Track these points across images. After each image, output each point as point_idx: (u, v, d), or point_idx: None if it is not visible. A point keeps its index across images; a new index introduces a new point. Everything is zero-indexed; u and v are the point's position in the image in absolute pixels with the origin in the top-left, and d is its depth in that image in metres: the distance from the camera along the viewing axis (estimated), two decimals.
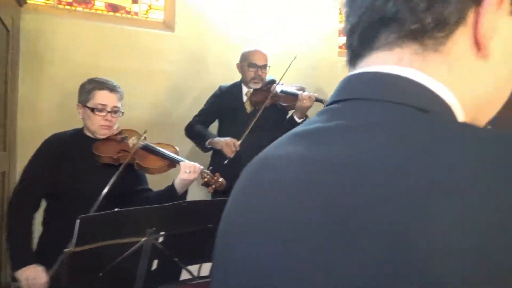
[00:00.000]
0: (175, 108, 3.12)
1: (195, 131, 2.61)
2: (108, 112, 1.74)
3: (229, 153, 2.40)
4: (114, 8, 3.18)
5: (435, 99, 0.39)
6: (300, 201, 0.37)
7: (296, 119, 2.49)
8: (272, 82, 2.59)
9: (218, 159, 2.50)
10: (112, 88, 1.77)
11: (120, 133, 1.86)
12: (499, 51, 0.41)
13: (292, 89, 2.56)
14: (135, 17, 3.23)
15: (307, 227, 0.35)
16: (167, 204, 1.27)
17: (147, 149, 1.83)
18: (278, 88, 2.54)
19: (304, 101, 2.40)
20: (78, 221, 1.12)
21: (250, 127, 2.40)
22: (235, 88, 2.64)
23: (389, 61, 0.41)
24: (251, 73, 2.52)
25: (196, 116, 2.66)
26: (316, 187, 0.37)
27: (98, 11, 3.13)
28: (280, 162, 0.42)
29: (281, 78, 2.52)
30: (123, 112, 1.83)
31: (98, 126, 1.74)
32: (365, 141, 0.36)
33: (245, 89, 2.61)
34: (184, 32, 3.16)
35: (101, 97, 1.74)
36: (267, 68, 2.56)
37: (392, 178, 0.32)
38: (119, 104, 1.79)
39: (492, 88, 0.43)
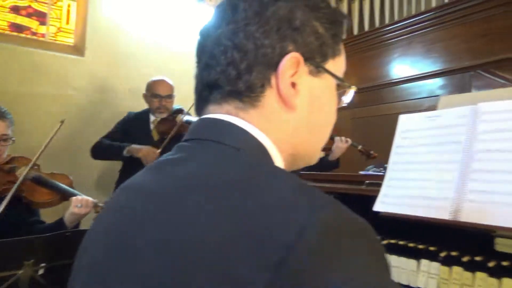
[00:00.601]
0: (80, 135, 3.01)
1: (107, 144, 2.54)
2: None
3: (149, 161, 2.38)
4: (18, 28, 3.04)
5: (252, 140, 0.51)
6: (115, 220, 0.48)
7: None
8: (179, 111, 2.65)
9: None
10: None
11: (10, 161, 1.76)
12: (305, 103, 0.55)
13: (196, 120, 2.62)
14: (42, 39, 3.12)
15: (108, 243, 0.46)
16: (47, 234, 1.24)
17: (37, 181, 1.75)
18: (184, 118, 2.60)
19: None
20: None
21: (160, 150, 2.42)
22: (143, 116, 2.66)
23: (221, 111, 0.54)
24: (155, 103, 2.57)
25: (102, 137, 2.61)
26: (126, 211, 0.47)
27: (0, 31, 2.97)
28: (127, 188, 0.52)
29: (189, 108, 2.59)
30: (13, 139, 1.74)
31: None
32: (178, 172, 0.47)
33: (152, 118, 2.64)
34: (94, 57, 3.11)
35: None
36: (173, 97, 2.62)
37: (170, 204, 0.42)
38: (8, 132, 1.69)
39: (305, 132, 0.57)
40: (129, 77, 3.20)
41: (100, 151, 2.56)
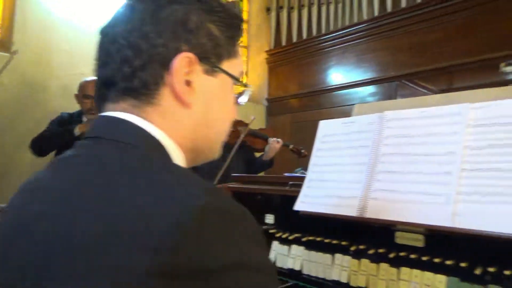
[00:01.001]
0: (5, 136, 2.81)
1: (51, 132, 2.45)
2: None
3: None
4: None
5: (146, 137, 0.53)
6: (11, 221, 0.50)
7: None
8: None
9: None
10: None
11: None
12: (200, 101, 0.58)
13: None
14: None
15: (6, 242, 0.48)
16: None
17: None
18: None
19: None
20: None
21: None
22: (76, 117, 2.56)
23: (118, 109, 0.55)
24: (87, 104, 2.48)
25: (40, 133, 2.50)
26: (20, 211, 0.50)
27: None
28: (25, 188, 0.54)
29: None
30: None
31: None
32: (75, 169, 0.49)
33: (85, 119, 2.54)
34: (23, 53, 2.92)
35: None
36: None
37: (65, 199, 0.45)
38: None
39: (202, 128, 0.60)
40: (62, 75, 3.05)
41: (45, 141, 2.43)
